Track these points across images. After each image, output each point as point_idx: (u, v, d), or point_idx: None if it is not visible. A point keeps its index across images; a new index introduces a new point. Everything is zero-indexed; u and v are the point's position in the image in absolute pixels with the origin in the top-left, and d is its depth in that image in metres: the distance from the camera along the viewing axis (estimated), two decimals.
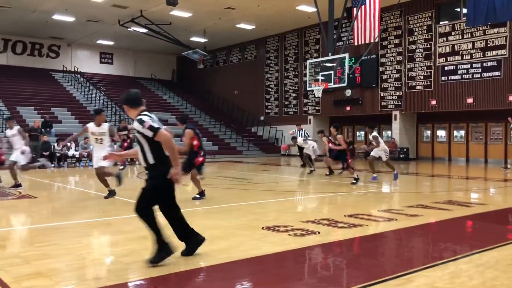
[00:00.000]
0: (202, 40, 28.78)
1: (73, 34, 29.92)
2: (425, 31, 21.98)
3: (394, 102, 23.25)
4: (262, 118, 30.18)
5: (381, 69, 23.72)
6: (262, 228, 6.07)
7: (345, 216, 6.99)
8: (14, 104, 24.43)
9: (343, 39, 21.59)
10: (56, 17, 25.41)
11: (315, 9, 19.08)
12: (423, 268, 4.32)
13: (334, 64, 17.92)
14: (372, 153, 12.66)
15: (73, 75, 32.34)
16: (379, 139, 12.71)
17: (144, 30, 26.06)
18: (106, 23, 26.76)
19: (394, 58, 23.19)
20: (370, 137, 12.83)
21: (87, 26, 27.58)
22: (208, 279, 4.19)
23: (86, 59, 34.05)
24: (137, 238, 5.50)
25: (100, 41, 32.03)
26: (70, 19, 25.81)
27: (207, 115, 31.22)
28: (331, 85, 18.23)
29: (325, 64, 18.54)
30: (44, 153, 18.80)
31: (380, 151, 12.44)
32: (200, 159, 8.65)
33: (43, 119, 22.59)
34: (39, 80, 29.47)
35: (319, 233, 5.83)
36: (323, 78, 18.32)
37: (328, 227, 6.23)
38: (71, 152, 19.74)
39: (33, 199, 8.94)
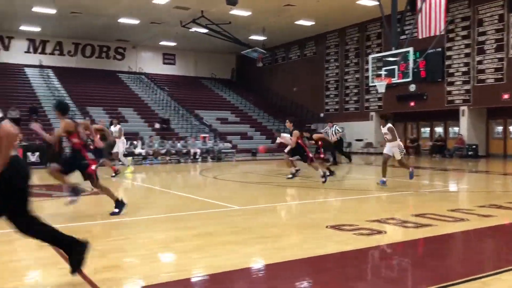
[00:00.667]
0: (261, 38, 28.93)
1: (138, 36, 31.12)
2: (496, 21, 20.79)
3: (462, 97, 22.20)
4: (322, 115, 29.87)
5: (447, 62, 22.72)
6: (327, 226, 6.00)
7: (412, 215, 6.77)
8: (84, 105, 25.79)
9: (406, 32, 20.90)
10: (122, 20, 26.55)
11: (377, 3, 18.65)
12: (499, 272, 4.08)
13: (398, 59, 17.43)
14: (385, 151, 10.79)
15: (137, 76, 33.67)
16: (395, 132, 10.90)
17: (204, 30, 26.59)
18: (168, 25, 27.57)
19: (462, 51, 22.13)
20: (385, 129, 10.67)
21: (150, 28, 28.58)
22: (273, 276, 4.20)
23: (150, 60, 35.33)
24: (203, 234, 5.63)
25: (163, 43, 33.08)
26: (135, 21, 26.86)
27: (265, 113, 31.38)
28: (394, 80, 17.77)
29: (388, 59, 18.09)
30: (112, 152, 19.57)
31: (394, 147, 10.62)
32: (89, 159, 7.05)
33: (111, 119, 23.48)
34: (106, 81, 30.94)
35: (385, 232, 5.69)
36: (386, 73, 17.89)
37: (395, 226, 6.06)
38: (137, 150, 20.53)
39: (103, 196, 9.39)
